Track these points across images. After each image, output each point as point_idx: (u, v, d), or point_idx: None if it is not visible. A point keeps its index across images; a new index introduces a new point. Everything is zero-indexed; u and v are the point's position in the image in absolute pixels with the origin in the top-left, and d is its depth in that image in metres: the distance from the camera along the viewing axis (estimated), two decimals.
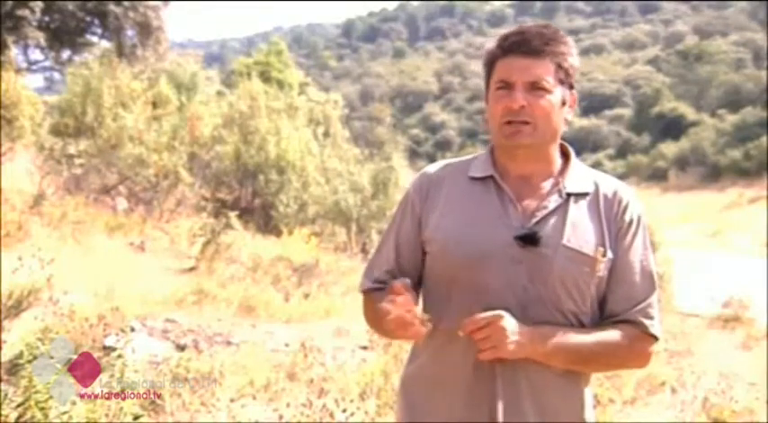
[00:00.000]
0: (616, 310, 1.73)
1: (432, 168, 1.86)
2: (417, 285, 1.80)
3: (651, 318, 1.74)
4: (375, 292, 1.82)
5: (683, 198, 38.90)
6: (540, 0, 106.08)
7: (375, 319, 1.75)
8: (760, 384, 6.11)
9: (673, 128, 51.92)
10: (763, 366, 6.79)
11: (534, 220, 1.69)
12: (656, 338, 1.75)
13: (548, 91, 1.69)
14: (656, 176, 48.15)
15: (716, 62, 59.60)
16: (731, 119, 49.82)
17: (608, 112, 64.72)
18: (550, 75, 1.69)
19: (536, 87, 1.68)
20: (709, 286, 12.43)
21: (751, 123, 46.47)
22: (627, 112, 64.15)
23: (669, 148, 49.61)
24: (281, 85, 20.65)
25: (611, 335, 1.71)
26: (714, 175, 43.90)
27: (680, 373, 6.57)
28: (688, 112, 54.23)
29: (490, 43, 1.76)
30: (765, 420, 5.28)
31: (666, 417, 5.53)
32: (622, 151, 56.53)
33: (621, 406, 5.39)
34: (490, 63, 1.75)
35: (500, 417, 1.66)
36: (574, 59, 1.73)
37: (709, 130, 49.21)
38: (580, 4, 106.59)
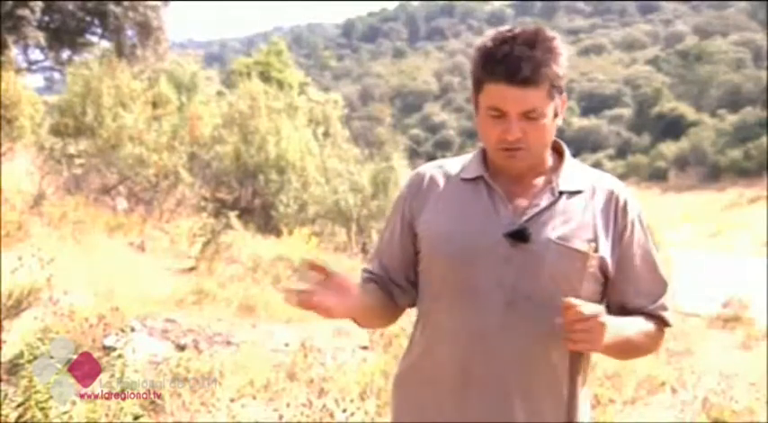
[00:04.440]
0: (637, 306, 1.77)
1: (425, 168, 1.85)
2: (413, 282, 1.81)
3: (668, 310, 1.81)
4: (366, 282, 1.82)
5: (683, 198, 38.92)
6: (540, 0, 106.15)
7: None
8: (760, 384, 6.09)
9: (673, 128, 51.98)
10: (763, 366, 6.78)
11: (525, 218, 1.67)
12: (669, 326, 1.84)
13: (543, 116, 1.64)
14: (656, 176, 48.21)
15: (716, 62, 59.68)
16: (731, 119, 49.93)
17: (608, 112, 64.80)
18: (544, 99, 1.63)
19: (531, 116, 1.63)
20: (709, 286, 12.44)
21: (751, 123, 46.57)
22: (627, 112, 64.24)
23: (669, 148, 49.69)
24: (281, 85, 20.61)
25: (646, 326, 1.77)
26: (714, 175, 43.97)
27: (680, 373, 6.58)
28: (688, 112, 54.31)
29: (477, 57, 1.65)
30: (765, 420, 5.28)
31: (666, 417, 5.53)
32: (622, 151, 56.60)
33: (621, 406, 5.39)
34: (477, 82, 1.67)
35: (489, 417, 1.66)
36: (564, 68, 1.66)
37: (709, 130, 49.32)
38: (580, 4, 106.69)
